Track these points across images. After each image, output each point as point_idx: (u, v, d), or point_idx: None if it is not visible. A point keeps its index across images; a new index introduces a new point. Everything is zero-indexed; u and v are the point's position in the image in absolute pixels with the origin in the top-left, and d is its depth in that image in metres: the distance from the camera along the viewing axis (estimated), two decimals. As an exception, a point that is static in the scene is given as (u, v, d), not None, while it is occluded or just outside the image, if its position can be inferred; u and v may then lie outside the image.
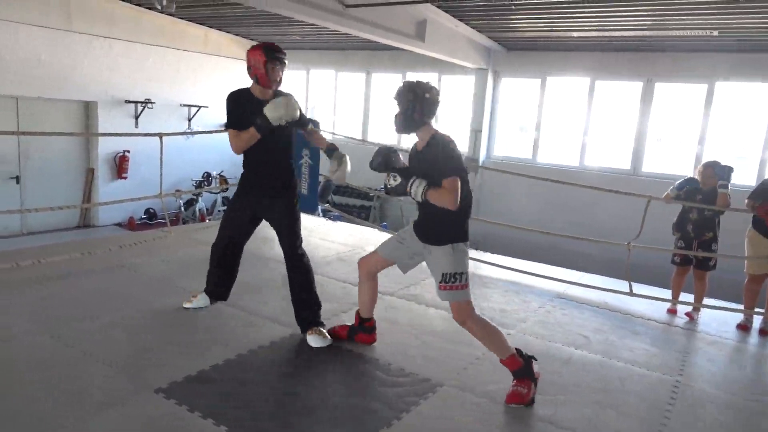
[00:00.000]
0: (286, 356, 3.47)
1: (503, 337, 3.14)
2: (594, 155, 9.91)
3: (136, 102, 10.55)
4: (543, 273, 5.59)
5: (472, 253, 6.56)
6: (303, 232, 3.72)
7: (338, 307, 4.27)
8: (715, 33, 7.56)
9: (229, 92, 3.54)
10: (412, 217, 3.31)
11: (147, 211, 11.04)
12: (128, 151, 10.51)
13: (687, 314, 4.90)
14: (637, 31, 8.08)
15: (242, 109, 3.45)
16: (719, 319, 4.85)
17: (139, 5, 9.80)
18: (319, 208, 8.76)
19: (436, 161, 3.00)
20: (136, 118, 10.65)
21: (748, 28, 7.43)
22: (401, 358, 3.50)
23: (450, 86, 11.21)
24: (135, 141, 10.44)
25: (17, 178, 9.37)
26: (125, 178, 10.53)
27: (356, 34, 7.79)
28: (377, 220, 10.93)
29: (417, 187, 2.98)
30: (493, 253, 6.64)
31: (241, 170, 3.66)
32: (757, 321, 4.75)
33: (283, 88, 3.58)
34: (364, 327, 3.62)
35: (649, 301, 5.03)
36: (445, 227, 3.07)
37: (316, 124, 3.24)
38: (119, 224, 10.71)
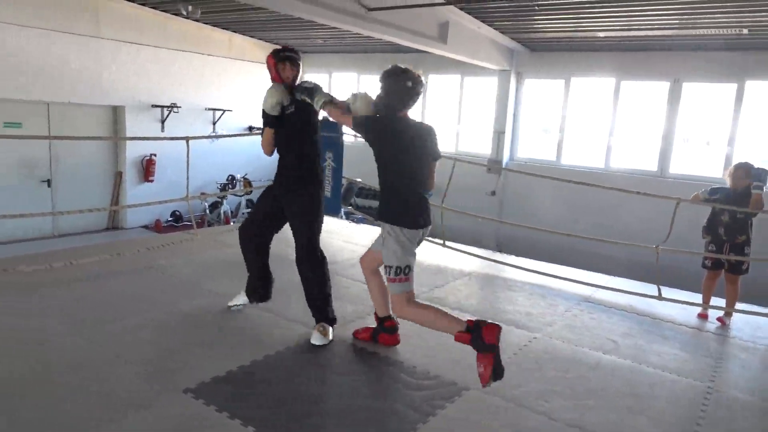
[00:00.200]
0: (312, 357, 3.48)
1: (447, 316, 3.06)
2: (620, 157, 9.76)
3: (162, 106, 10.74)
4: (569, 276, 5.53)
5: (497, 255, 6.53)
6: (326, 235, 3.75)
7: (362, 309, 4.27)
8: (745, 31, 7.39)
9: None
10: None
11: (173, 214, 11.21)
12: (155, 155, 10.70)
13: (719, 319, 4.79)
14: (664, 30, 7.94)
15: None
16: (752, 324, 4.73)
17: (165, 11, 9.97)
18: (342, 210, 8.80)
19: None
20: (163, 122, 10.83)
21: (779, 26, 7.25)
22: (427, 361, 3.49)
23: (472, 88, 11.17)
24: (161, 144, 10.63)
25: (48, 182, 9.60)
26: (152, 181, 10.71)
27: (378, 36, 7.81)
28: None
29: (319, 97, 3.30)
30: (517, 255, 6.60)
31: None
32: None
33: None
34: (385, 327, 3.61)
35: (678, 306, 4.93)
36: (383, 204, 3.19)
37: (327, 101, 3.38)
38: (146, 226, 10.89)
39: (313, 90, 3.38)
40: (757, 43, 8.02)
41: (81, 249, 5.88)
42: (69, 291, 4.29)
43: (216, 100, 11.71)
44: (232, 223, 10.70)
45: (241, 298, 4.06)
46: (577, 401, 3.16)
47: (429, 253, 6.24)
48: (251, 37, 11.85)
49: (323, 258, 3.66)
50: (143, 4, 9.61)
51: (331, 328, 3.66)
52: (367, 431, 2.74)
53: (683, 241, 5.38)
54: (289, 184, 3.63)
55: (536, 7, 7.44)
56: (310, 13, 6.59)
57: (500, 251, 8.53)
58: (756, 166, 4.69)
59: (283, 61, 3.50)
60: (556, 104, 10.24)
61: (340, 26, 7.29)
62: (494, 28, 8.93)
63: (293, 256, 3.64)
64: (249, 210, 12.00)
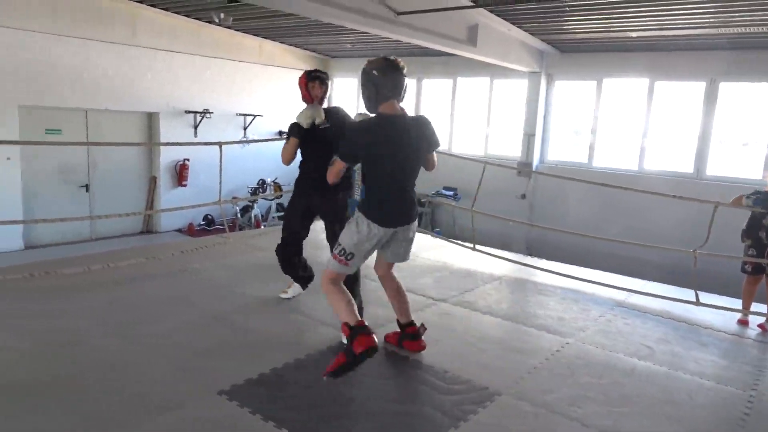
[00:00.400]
0: (343, 361, 3.50)
1: (350, 308, 3.07)
2: (654, 158, 9.55)
3: (195, 112, 10.95)
4: (602, 280, 5.43)
5: (527, 259, 6.46)
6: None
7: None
8: (786, 28, 7.17)
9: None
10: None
11: (205, 217, 11.41)
12: (188, 160, 10.91)
13: (760, 326, 4.64)
14: (699, 29, 7.75)
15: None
16: (795, 330, 4.58)
17: (198, 19, 10.17)
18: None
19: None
20: (195, 127, 11.04)
21: (822, 22, 7.00)
22: (457, 366, 3.47)
23: (502, 90, 11.09)
24: (194, 150, 10.83)
25: (86, 186, 9.88)
26: (185, 185, 10.92)
27: (407, 40, 7.82)
28: (429, 227, 10.90)
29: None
30: (548, 259, 6.51)
31: (293, 176, 4.16)
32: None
33: (336, 96, 3.88)
34: (407, 334, 3.60)
35: (716, 311, 4.80)
36: (362, 196, 3.27)
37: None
38: (179, 230, 11.11)
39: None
40: (799, 41, 7.77)
41: (118, 252, 6.04)
42: (106, 293, 4.41)
43: (247, 106, 11.89)
44: (262, 227, 10.84)
45: (295, 289, 4.36)
46: (612, 408, 3.10)
47: (459, 256, 6.21)
48: (281, 42, 11.99)
49: None
50: (177, 12, 9.83)
51: None
52: (398, 435, 2.74)
53: (721, 244, 5.22)
54: (323, 190, 3.79)
55: (567, 8, 7.35)
56: (340, 19, 6.64)
57: (530, 255, 8.44)
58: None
59: (313, 80, 3.89)
60: (588, 106, 10.08)
61: (370, 31, 7.33)
62: (524, 30, 8.86)
63: (320, 258, 3.68)
64: (279, 214, 12.14)
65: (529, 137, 10.46)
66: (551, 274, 5.61)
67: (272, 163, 11.76)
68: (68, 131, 9.42)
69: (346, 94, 12.55)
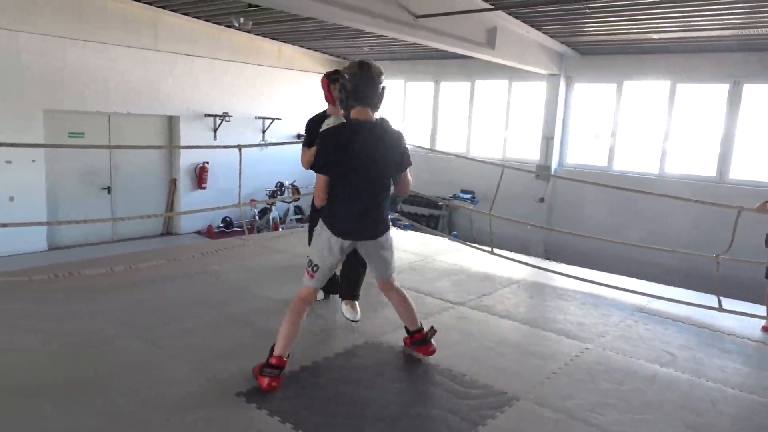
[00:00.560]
0: (361, 364, 3.51)
1: (289, 337, 3.11)
2: (675, 162, 9.42)
3: (214, 115, 11.07)
4: (622, 285, 5.37)
5: (546, 263, 6.41)
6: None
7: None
8: (813, 29, 7.03)
9: (308, 119, 4.14)
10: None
11: (224, 220, 11.52)
12: (207, 163, 11.03)
13: (784, 332, 4.55)
14: (723, 31, 7.64)
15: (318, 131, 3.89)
16: (822, 338, 4.47)
17: (218, 24, 10.29)
18: (389, 216, 8.82)
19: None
20: (215, 130, 11.16)
21: None
22: (475, 370, 3.46)
23: (520, 93, 11.03)
24: (213, 153, 10.96)
25: (108, 189, 10.05)
26: (205, 188, 11.05)
27: (426, 44, 7.82)
28: (446, 230, 10.87)
29: None
30: (567, 264, 6.45)
31: (312, 179, 4.04)
32: None
33: None
34: (415, 340, 3.56)
35: (739, 318, 4.71)
36: (326, 207, 3.18)
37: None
38: (199, 232, 11.24)
39: None
40: (826, 42, 7.62)
41: (139, 254, 6.14)
42: (128, 294, 4.48)
43: (265, 109, 11.99)
44: (280, 229, 10.91)
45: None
46: (633, 415, 3.06)
47: (476, 260, 6.19)
48: (300, 46, 12.08)
49: None
50: (198, 17, 9.96)
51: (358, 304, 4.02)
52: (416, 439, 2.74)
53: (745, 249, 5.13)
54: None
55: (587, 10, 7.29)
56: (360, 22, 6.67)
57: (549, 258, 8.38)
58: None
59: (334, 83, 3.86)
60: (608, 108, 9.98)
61: (390, 34, 7.35)
62: (543, 33, 8.81)
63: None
64: (297, 217, 12.21)
65: (547, 140, 10.39)
66: (570, 279, 5.56)
67: (290, 166, 11.83)
68: (91, 135, 9.60)
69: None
